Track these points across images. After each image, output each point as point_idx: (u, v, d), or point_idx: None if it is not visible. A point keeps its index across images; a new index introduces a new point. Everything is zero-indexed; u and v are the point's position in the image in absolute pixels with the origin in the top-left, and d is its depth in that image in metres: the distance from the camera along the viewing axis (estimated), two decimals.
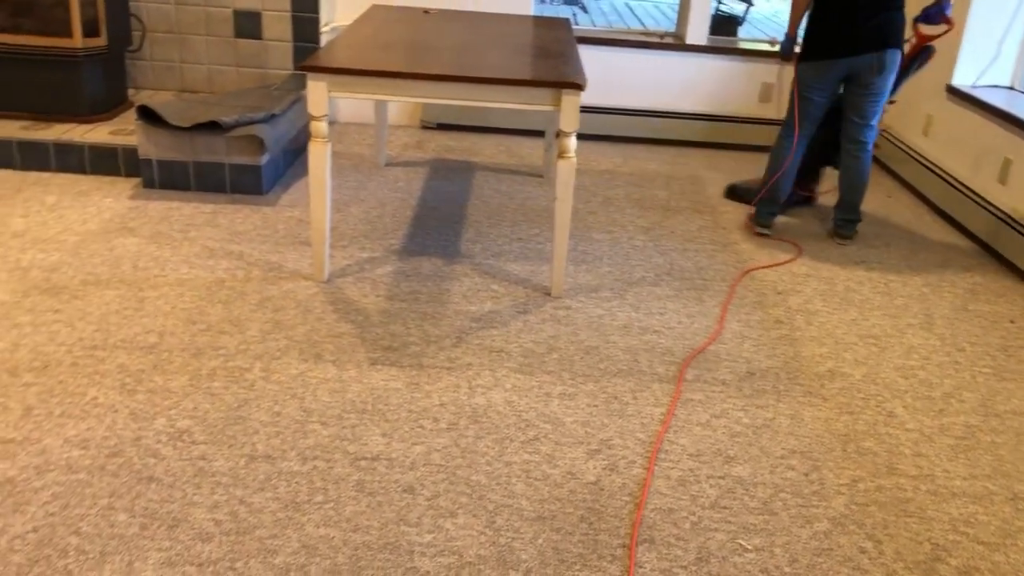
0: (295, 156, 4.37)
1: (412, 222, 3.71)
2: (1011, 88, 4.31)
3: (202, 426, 2.29)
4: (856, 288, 3.38)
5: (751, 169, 4.76)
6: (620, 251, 3.57)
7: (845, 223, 3.78)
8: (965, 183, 4.09)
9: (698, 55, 5.00)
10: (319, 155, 2.95)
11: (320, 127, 2.92)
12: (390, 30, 3.51)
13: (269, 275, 3.14)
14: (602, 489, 2.15)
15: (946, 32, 3.76)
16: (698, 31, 4.98)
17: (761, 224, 3.83)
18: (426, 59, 3.01)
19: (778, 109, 5.08)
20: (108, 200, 3.70)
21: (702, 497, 2.15)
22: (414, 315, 2.93)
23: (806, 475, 2.25)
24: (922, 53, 3.82)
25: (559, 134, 2.92)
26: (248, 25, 4.68)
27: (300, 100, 4.40)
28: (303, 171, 4.22)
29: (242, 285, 3.06)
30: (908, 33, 3.67)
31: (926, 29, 3.78)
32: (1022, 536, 2.09)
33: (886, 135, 4.95)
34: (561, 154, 2.93)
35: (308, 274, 3.17)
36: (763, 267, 3.50)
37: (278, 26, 4.68)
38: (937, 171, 4.32)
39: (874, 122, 3.59)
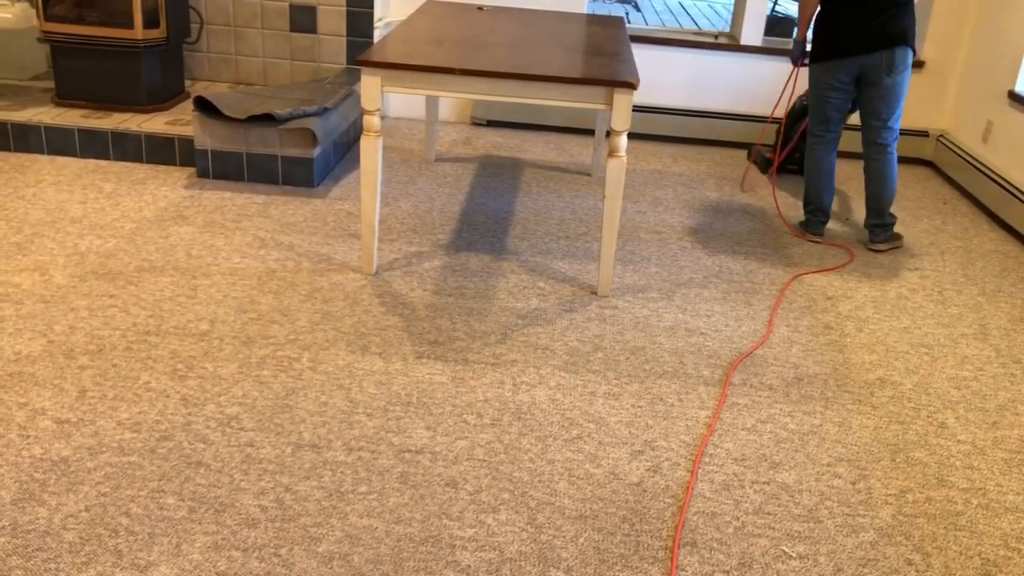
0: (346, 149, 4.41)
1: (460, 218, 3.73)
2: None
3: (250, 413, 2.33)
4: (909, 296, 3.32)
5: (759, 176, 4.70)
6: (668, 252, 3.55)
7: (874, 228, 3.68)
8: (1021, 186, 3.99)
9: (752, 56, 4.95)
10: (371, 149, 2.98)
11: (373, 121, 2.95)
12: (444, 26, 3.52)
13: (319, 266, 3.18)
14: (645, 490, 2.14)
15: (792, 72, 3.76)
16: (753, 31, 4.93)
17: (813, 232, 3.78)
18: (478, 56, 3.01)
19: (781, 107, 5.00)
20: (164, 189, 3.78)
21: (746, 502, 2.13)
22: (460, 310, 2.95)
23: (853, 484, 2.22)
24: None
25: (610, 132, 2.91)
26: (303, 19, 4.74)
27: (352, 94, 4.44)
28: (353, 165, 4.26)
29: (292, 276, 3.10)
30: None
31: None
32: None
33: (943, 140, 4.85)
34: (612, 152, 2.92)
35: (356, 266, 3.20)
36: (813, 272, 3.45)
37: (332, 20, 4.73)
38: (996, 178, 4.22)
39: (892, 123, 3.50)
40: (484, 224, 3.68)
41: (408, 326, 2.82)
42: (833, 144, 3.69)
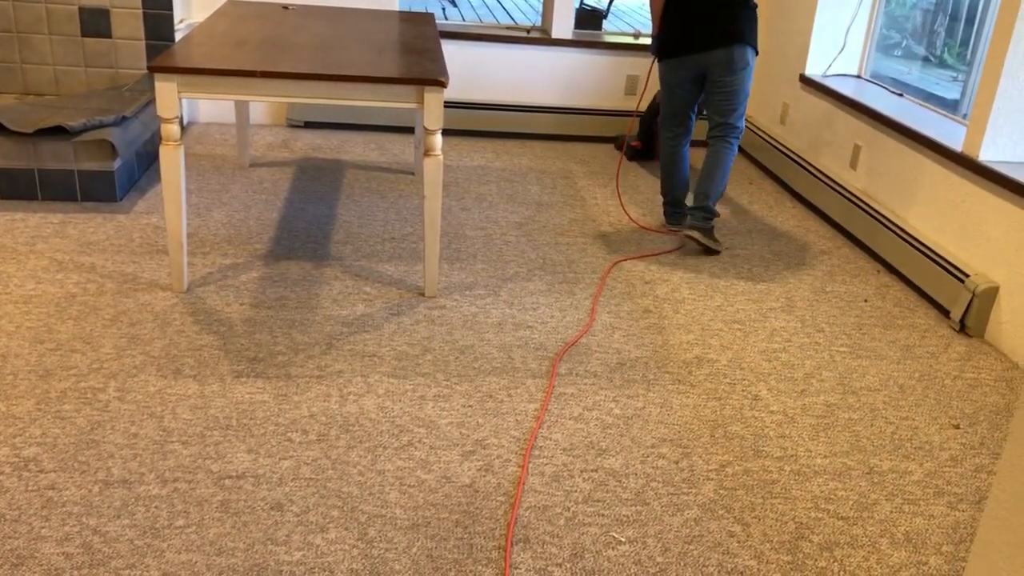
0: (150, 160, 4.17)
1: (279, 225, 3.60)
2: (858, 77, 4.52)
3: (51, 453, 2.15)
4: (721, 275, 3.47)
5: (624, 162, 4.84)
6: (494, 247, 3.56)
7: (693, 212, 3.60)
8: (820, 168, 4.26)
9: (564, 49, 5.04)
10: (172, 159, 2.82)
11: (171, 130, 2.79)
12: (247, 26, 3.38)
13: (124, 287, 2.98)
14: (477, 491, 2.13)
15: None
16: (563, 25, 5.02)
17: (669, 223, 3.91)
18: (284, 57, 2.91)
19: (644, 101, 5.18)
20: None
21: (575, 492, 2.16)
22: (281, 323, 2.84)
23: (676, 463, 2.30)
24: None
25: (424, 131, 2.87)
26: (96, 23, 4.43)
27: (154, 101, 4.20)
28: (158, 176, 4.03)
29: (95, 299, 2.89)
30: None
31: None
32: (877, 508, 2.19)
33: (747, 123, 5.12)
34: (427, 152, 2.89)
35: (166, 284, 3.03)
36: (631, 258, 3.56)
37: (129, 23, 4.45)
38: (794, 157, 4.49)
39: (733, 120, 3.56)
40: (305, 231, 3.57)
41: (225, 344, 2.69)
42: (683, 138, 3.77)
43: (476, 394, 2.53)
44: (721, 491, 2.20)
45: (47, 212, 3.53)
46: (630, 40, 5.20)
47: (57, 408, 2.32)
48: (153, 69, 2.67)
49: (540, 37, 5.04)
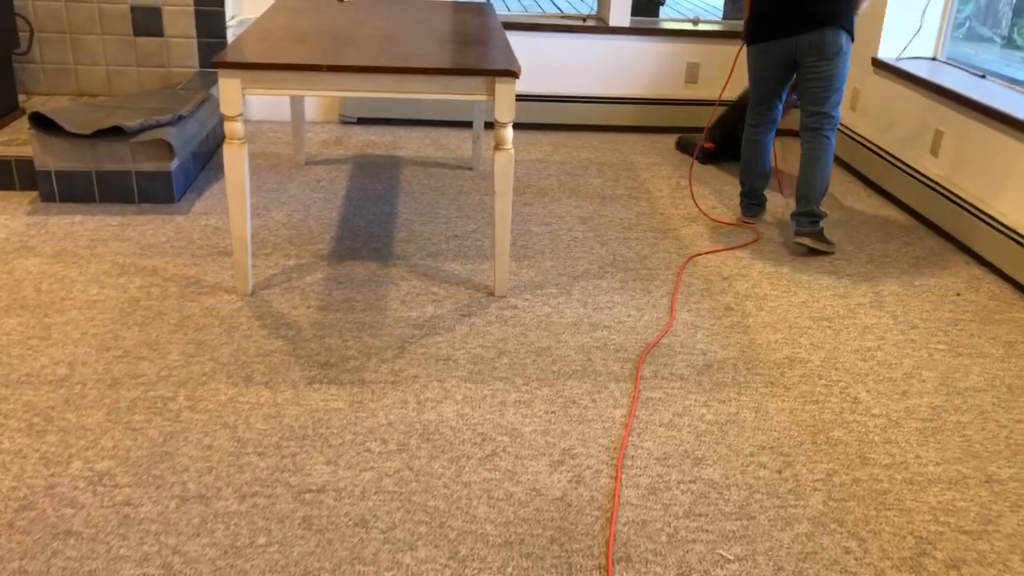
0: (207, 159, 4.10)
1: (339, 224, 3.50)
2: (934, 59, 4.32)
3: (124, 467, 2.06)
4: (802, 269, 3.31)
5: (681, 153, 4.68)
6: (561, 244, 3.43)
7: (800, 218, 3.40)
8: (896, 155, 4.07)
9: (621, 37, 4.89)
10: (236, 158, 2.73)
11: (235, 127, 2.69)
12: (305, 21, 3.28)
13: (188, 291, 2.90)
14: (570, 505, 2.01)
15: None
16: (620, 12, 4.87)
17: (745, 215, 3.75)
18: (348, 50, 2.80)
19: (707, 89, 5.01)
20: (3, 217, 3.39)
21: (675, 505, 2.02)
22: (351, 326, 2.74)
23: (779, 472, 2.15)
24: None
25: (494, 125, 2.75)
26: (147, 21, 4.37)
27: (209, 99, 4.13)
28: (216, 175, 3.96)
29: (159, 304, 2.81)
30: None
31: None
32: (1003, 521, 2.03)
33: None
34: (497, 146, 2.77)
35: (230, 287, 2.94)
36: (706, 253, 3.41)
37: (180, 21, 4.39)
38: (867, 144, 4.30)
39: (826, 108, 3.34)
40: (366, 229, 3.46)
41: (295, 349, 2.59)
42: (768, 127, 3.57)
43: (558, 399, 2.41)
44: (831, 503, 2.05)
45: (105, 214, 3.46)
46: (689, 27, 5.03)
47: (128, 418, 2.23)
48: (217, 65, 2.57)
49: (596, 25, 4.90)
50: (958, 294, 3.15)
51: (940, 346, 2.79)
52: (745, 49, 3.57)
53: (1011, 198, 3.35)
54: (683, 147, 4.70)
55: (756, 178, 3.65)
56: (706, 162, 4.52)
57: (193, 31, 4.41)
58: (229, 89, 2.62)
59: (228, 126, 2.68)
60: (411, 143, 4.59)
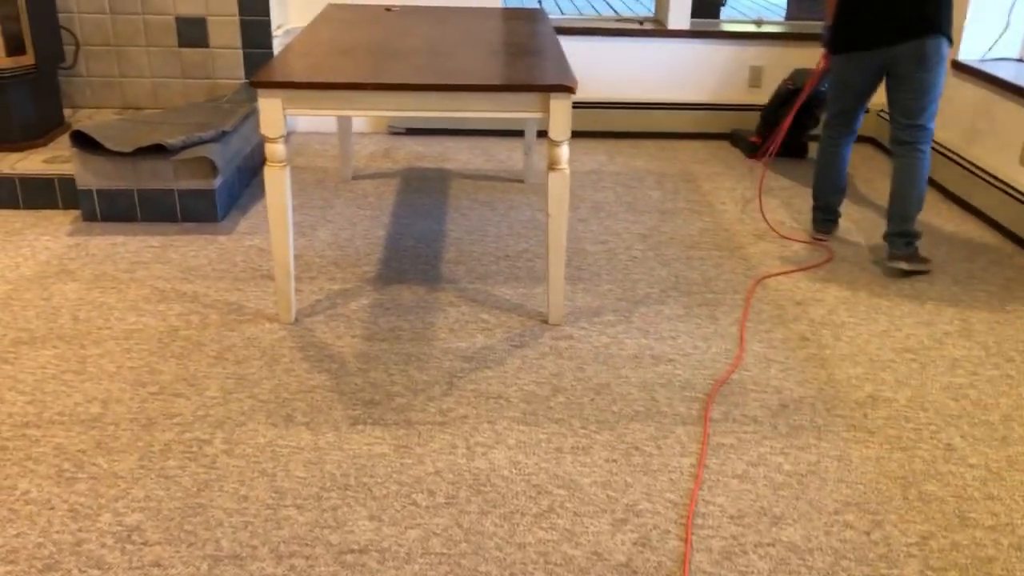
0: (251, 175, 3.98)
1: (386, 244, 3.35)
2: (1020, 60, 4.02)
3: (155, 520, 1.93)
4: (881, 292, 3.07)
5: (743, 160, 4.44)
6: (618, 264, 3.24)
7: (894, 239, 3.16)
8: (981, 165, 3.79)
9: (681, 40, 4.67)
10: (277, 181, 2.59)
11: (276, 150, 2.55)
12: (350, 32, 3.14)
13: (229, 318, 2.77)
14: (635, 572, 1.82)
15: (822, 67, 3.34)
16: (679, 14, 4.65)
17: (817, 231, 3.50)
18: (394, 65, 2.64)
19: (771, 93, 4.76)
20: (45, 238, 3.31)
21: (752, 572, 1.82)
22: (397, 358, 2.58)
23: (868, 534, 1.94)
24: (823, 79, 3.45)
25: (548, 142, 2.57)
26: (193, 32, 4.28)
27: (254, 113, 4.01)
28: (262, 192, 3.84)
29: (198, 333, 2.69)
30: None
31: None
32: None
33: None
34: (552, 166, 2.59)
35: (273, 314, 2.81)
36: (776, 274, 3.18)
37: (226, 32, 4.29)
38: (946, 153, 4.03)
39: (922, 120, 3.06)
40: (414, 249, 3.31)
41: (338, 384, 2.44)
42: (847, 138, 3.31)
43: (620, 445, 2.22)
44: (928, 572, 1.83)
45: (147, 235, 3.36)
46: (752, 28, 4.79)
47: (161, 465, 2.10)
48: (257, 85, 2.43)
49: (654, 28, 4.68)
50: None
51: None
52: (827, 55, 3.28)
53: None
54: (735, 141, 4.68)
55: (832, 193, 3.40)
56: (752, 155, 4.42)
57: (239, 41, 4.31)
58: (269, 110, 2.48)
59: (269, 148, 2.54)
60: (460, 154, 4.43)
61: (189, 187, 3.43)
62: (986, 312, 2.95)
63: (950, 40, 3.01)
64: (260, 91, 2.47)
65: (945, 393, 2.47)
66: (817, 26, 4.87)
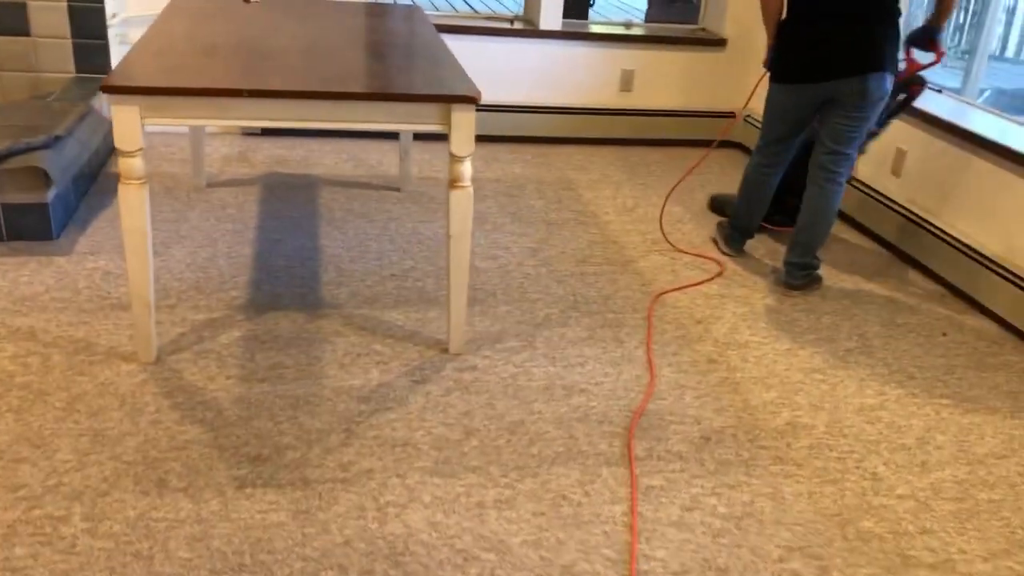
0: (88, 184, 3.51)
1: (254, 263, 3.01)
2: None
3: None
4: (777, 308, 3.03)
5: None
6: (513, 283, 3.04)
7: (792, 268, 3.09)
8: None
9: (552, 41, 4.52)
10: (135, 201, 2.22)
11: (133, 165, 2.19)
12: (210, 27, 2.77)
13: (76, 360, 2.38)
14: None
15: (935, 63, 3.09)
16: (551, 14, 4.50)
17: (728, 246, 3.38)
18: (268, 68, 2.33)
19: (642, 98, 4.70)
20: None
21: None
22: (282, 402, 2.28)
23: None
24: (907, 86, 3.17)
25: (450, 157, 2.34)
26: (9, 18, 3.73)
27: (90, 113, 3.54)
28: (102, 203, 3.39)
29: (40, 379, 2.28)
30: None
31: (916, 55, 3.15)
32: None
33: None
34: (454, 183, 2.36)
35: (129, 353, 2.43)
36: (672, 291, 3.09)
37: (51, 19, 3.77)
38: None
39: (848, 149, 2.97)
40: (287, 270, 2.99)
41: (216, 438, 2.12)
42: (779, 167, 3.16)
43: (545, 495, 2.03)
44: None
45: None
46: (622, 31, 4.71)
47: (6, 555, 1.73)
48: (109, 90, 2.06)
49: (525, 28, 4.51)
50: (944, 334, 2.94)
51: (944, 400, 2.55)
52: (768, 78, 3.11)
53: (967, 217, 3.16)
54: (718, 208, 3.86)
55: (754, 218, 3.28)
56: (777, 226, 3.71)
57: (68, 30, 3.80)
58: (125, 119, 2.12)
59: (124, 163, 2.18)
60: (325, 158, 4.10)
61: (17, 201, 2.95)
62: (879, 326, 2.96)
63: (894, 74, 2.90)
64: (113, 98, 2.10)
65: (860, 416, 2.44)
66: (682, 29, 4.85)
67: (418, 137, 4.45)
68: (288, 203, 3.54)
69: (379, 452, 2.12)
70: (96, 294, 2.73)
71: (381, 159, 4.16)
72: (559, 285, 3.05)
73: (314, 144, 4.29)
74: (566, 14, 4.72)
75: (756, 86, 3.43)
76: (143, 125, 2.15)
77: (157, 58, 2.34)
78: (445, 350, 2.58)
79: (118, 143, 2.14)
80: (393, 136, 4.45)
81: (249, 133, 4.33)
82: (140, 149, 2.17)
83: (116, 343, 2.48)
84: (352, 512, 1.92)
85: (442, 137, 4.48)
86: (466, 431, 2.23)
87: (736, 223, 3.35)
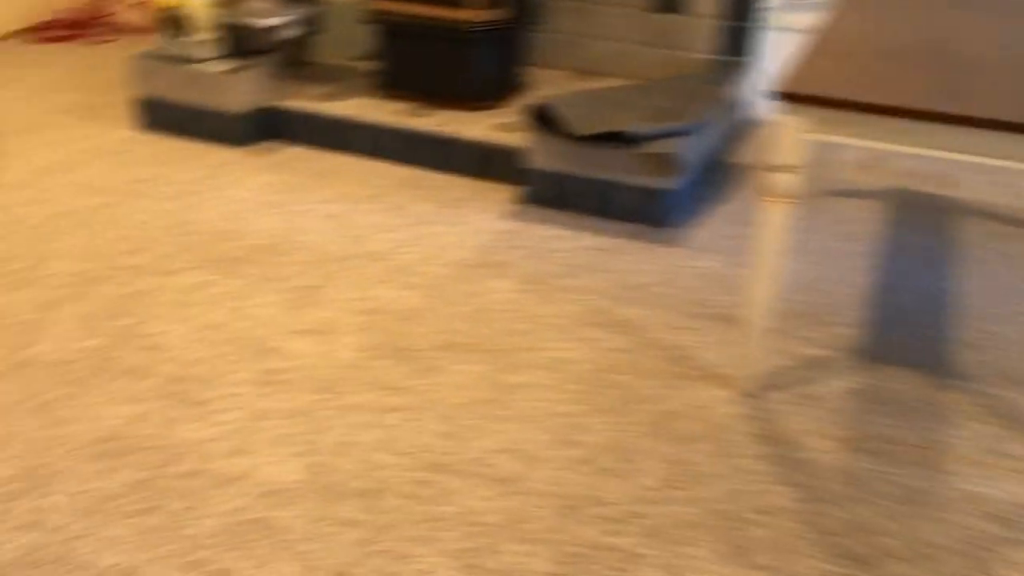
0: (711, 174, 3.41)
1: (876, 298, 2.60)
2: None
3: None
4: None
5: None
6: None
7: None
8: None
9: None
10: (781, 221, 1.97)
11: (788, 182, 1.93)
12: (888, 22, 2.38)
13: (669, 368, 2.25)
14: None
15: None
16: None
17: None
18: (965, 82, 1.87)
19: None
20: (482, 216, 3.02)
21: None
22: (892, 490, 1.88)
23: None
24: None
25: None
26: None
27: (727, 101, 3.41)
28: (718, 196, 3.25)
29: (634, 382, 2.19)
30: None
31: None
32: None
33: None
34: None
35: (725, 375, 2.23)
36: None
37: None
38: None
39: None
40: (914, 313, 2.53)
41: (810, 513, 1.81)
42: None
43: None
44: None
45: (585, 231, 2.93)
46: None
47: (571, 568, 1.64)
48: (787, 97, 1.81)
49: None
50: None
51: None
52: None
53: None
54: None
55: None
56: None
57: (717, 10, 3.71)
58: (793, 131, 1.85)
59: (778, 178, 1.93)
60: (970, 179, 3.44)
61: (643, 184, 2.94)
62: None
63: None
64: (784, 105, 1.84)
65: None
66: None
67: None
68: (916, 229, 3.04)
69: None
70: (698, 297, 2.58)
71: None
72: None
73: (955, 160, 3.66)
74: None
75: None
76: (807, 138, 1.87)
77: (835, 60, 2.02)
78: None
79: (778, 156, 1.89)
80: None
81: None
82: (802, 166, 1.90)
83: (712, 361, 2.29)
84: None
85: None
86: None
87: None
